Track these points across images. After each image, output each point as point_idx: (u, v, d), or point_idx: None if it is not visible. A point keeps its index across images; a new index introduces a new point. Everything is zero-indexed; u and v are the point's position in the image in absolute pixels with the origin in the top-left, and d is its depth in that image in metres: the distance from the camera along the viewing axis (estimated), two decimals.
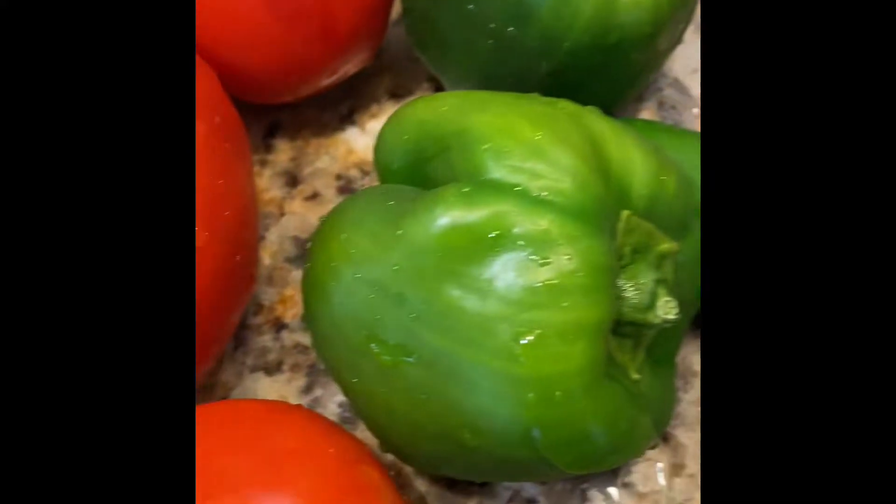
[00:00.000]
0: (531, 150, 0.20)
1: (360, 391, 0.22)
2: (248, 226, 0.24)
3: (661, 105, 0.33)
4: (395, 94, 0.34)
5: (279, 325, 0.29)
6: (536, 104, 0.22)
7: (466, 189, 0.19)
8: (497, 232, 0.19)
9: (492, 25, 0.26)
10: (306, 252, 0.24)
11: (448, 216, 0.19)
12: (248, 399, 0.27)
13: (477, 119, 0.21)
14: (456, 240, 0.19)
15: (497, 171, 0.20)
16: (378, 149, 0.24)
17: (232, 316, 0.24)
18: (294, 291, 0.30)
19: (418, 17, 0.29)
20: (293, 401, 0.28)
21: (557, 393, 0.19)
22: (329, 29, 0.27)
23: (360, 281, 0.21)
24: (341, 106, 0.33)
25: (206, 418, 0.20)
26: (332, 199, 0.32)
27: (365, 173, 0.32)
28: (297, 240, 0.31)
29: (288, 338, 0.29)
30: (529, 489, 0.27)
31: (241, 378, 0.29)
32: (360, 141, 0.33)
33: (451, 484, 0.27)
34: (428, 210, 0.20)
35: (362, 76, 0.33)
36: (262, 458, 0.19)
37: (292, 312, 0.30)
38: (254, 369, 0.29)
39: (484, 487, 0.27)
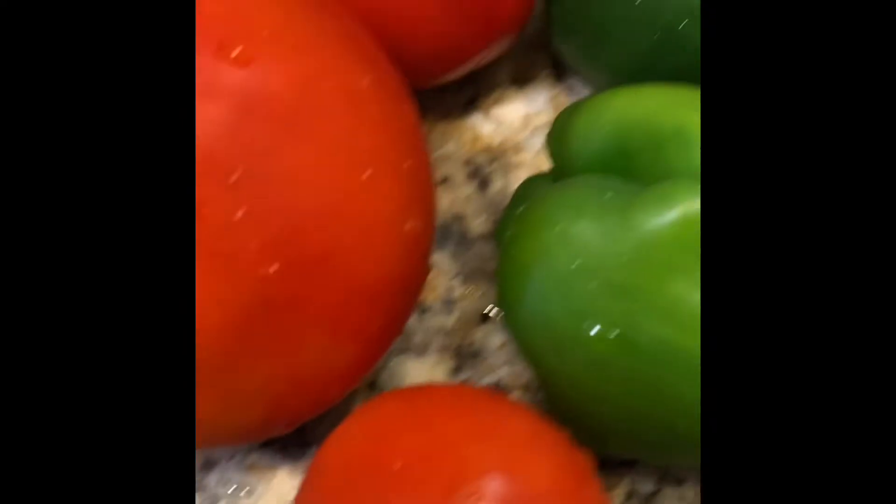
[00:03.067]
0: None
1: (566, 376, 0.23)
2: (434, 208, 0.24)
3: None
4: (517, 81, 0.34)
5: (422, 308, 0.30)
6: None
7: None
8: None
9: (660, 20, 0.26)
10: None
11: (683, 211, 0.20)
12: (457, 385, 0.27)
13: (696, 117, 0.21)
14: (690, 234, 0.20)
15: None
16: (563, 138, 0.24)
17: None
18: (434, 275, 0.30)
19: (568, 5, 0.29)
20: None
21: None
22: (493, 16, 0.27)
23: (578, 271, 0.21)
24: (464, 92, 0.33)
25: (430, 402, 0.21)
26: (461, 184, 0.32)
27: (493, 159, 0.32)
28: None
29: (432, 321, 0.29)
30: (678, 469, 0.28)
31: (386, 359, 0.29)
32: (485, 127, 0.33)
33: (603, 463, 0.28)
34: (661, 204, 0.20)
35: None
36: (503, 445, 0.20)
37: (433, 296, 0.30)
38: (401, 351, 0.29)
39: (633, 467, 0.28)
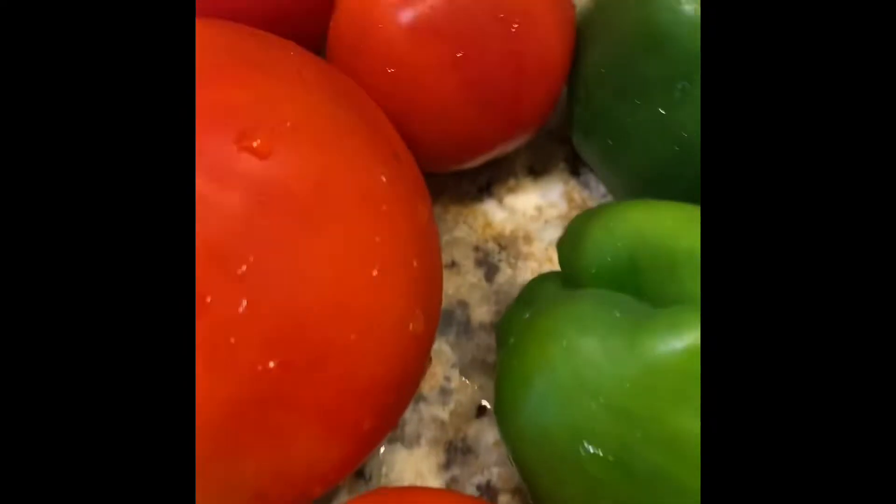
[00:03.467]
0: None
1: (557, 494, 0.22)
2: (439, 307, 0.24)
3: None
4: (533, 171, 0.34)
5: (417, 397, 0.29)
6: None
7: None
8: None
9: (683, 134, 0.26)
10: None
11: (692, 340, 0.20)
12: (442, 491, 0.26)
13: None
14: (698, 364, 0.20)
15: None
16: (574, 246, 0.24)
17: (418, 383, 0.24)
18: (434, 364, 0.30)
19: (592, 107, 0.29)
20: (431, 477, 0.28)
21: None
22: (515, 114, 0.27)
23: (580, 389, 0.21)
24: (480, 177, 0.34)
25: None
26: (470, 270, 0.31)
27: (502, 248, 0.32)
28: None
29: (426, 411, 0.29)
30: None
31: (376, 447, 0.28)
32: (497, 214, 0.33)
33: None
34: (670, 331, 0.20)
35: None
36: None
37: (430, 385, 0.29)
38: (391, 440, 0.28)
39: None
